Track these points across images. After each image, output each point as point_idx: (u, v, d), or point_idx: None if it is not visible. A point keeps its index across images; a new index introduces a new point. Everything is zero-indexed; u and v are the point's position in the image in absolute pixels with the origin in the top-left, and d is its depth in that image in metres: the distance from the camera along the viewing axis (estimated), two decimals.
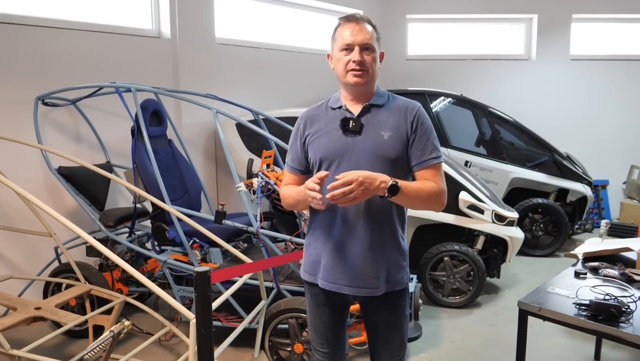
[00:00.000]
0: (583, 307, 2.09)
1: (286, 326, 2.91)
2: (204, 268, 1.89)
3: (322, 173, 1.64)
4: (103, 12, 4.22)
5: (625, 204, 6.53)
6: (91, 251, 3.61)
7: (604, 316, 2.03)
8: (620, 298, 2.14)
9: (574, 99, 6.98)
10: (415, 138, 1.77)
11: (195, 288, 1.88)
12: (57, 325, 3.32)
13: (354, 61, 1.73)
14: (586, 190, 5.63)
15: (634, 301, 2.14)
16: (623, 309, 2.04)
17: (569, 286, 2.38)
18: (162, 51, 4.52)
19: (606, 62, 6.94)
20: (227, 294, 2.41)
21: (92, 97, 3.77)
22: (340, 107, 1.82)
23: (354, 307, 2.78)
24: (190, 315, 2.08)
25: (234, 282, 2.72)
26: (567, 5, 6.83)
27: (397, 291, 1.84)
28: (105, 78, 4.02)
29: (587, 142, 6.92)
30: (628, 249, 2.75)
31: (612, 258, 2.78)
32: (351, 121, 1.76)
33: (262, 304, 2.90)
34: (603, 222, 6.11)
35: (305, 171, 1.89)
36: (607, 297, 2.15)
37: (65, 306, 3.22)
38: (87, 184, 3.66)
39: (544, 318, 2.16)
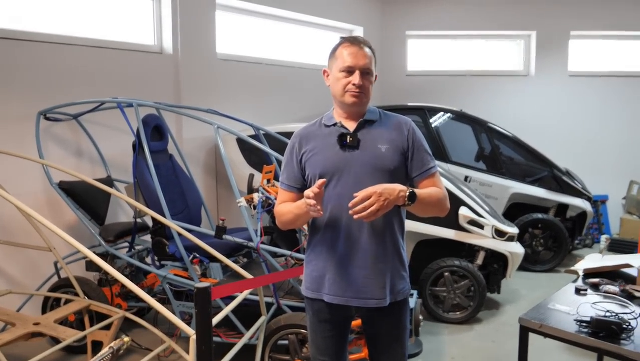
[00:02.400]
0: (584, 324, 2.08)
1: (286, 342, 2.89)
2: (204, 283, 1.89)
3: (320, 181, 1.65)
4: (105, 27, 4.27)
5: (624, 219, 6.54)
6: (91, 266, 3.60)
7: (604, 333, 2.02)
8: (621, 315, 2.13)
9: (573, 115, 7.02)
10: (414, 151, 1.86)
11: (195, 304, 1.88)
12: (56, 340, 3.31)
13: (354, 84, 1.77)
14: (586, 205, 5.64)
15: (635, 318, 2.14)
16: (624, 326, 2.03)
17: (570, 302, 2.37)
18: (164, 66, 4.56)
19: (604, 78, 7.00)
20: (227, 310, 2.40)
21: (94, 112, 3.80)
22: (334, 125, 1.86)
23: (355, 322, 2.78)
24: (191, 331, 2.07)
25: (233, 297, 2.71)
26: (565, 22, 6.91)
27: (399, 302, 1.87)
28: (106, 93, 4.05)
29: (586, 158, 6.95)
30: (628, 265, 2.75)
31: (612, 274, 2.78)
32: (348, 136, 1.81)
33: (262, 320, 2.88)
34: (603, 237, 6.12)
35: (301, 189, 1.90)
36: (607, 314, 2.15)
37: (64, 322, 3.21)
38: (87, 199, 3.66)
39: (545, 335, 2.15)
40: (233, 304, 2.45)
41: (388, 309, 1.85)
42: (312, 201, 1.62)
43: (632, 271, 2.74)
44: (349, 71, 1.78)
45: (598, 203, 6.87)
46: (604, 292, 2.51)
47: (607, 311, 2.19)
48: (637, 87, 6.95)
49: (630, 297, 2.44)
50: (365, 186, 1.66)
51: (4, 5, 3.65)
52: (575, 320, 2.13)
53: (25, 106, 3.68)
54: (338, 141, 1.82)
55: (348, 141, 1.81)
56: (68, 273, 3.32)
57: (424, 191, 1.78)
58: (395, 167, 1.81)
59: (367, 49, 1.82)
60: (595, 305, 2.30)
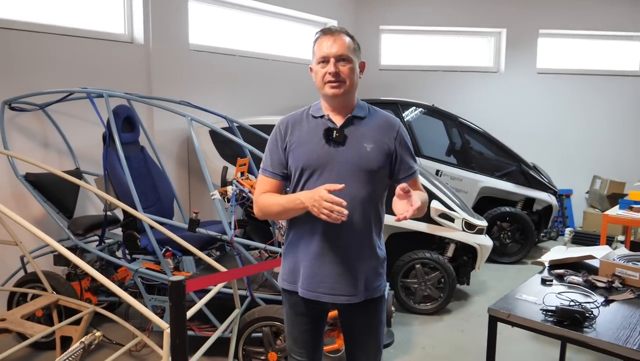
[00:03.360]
0: (549, 313, 2.16)
1: (260, 334, 2.90)
2: (179, 277, 1.88)
3: (339, 186, 1.62)
4: (75, 15, 4.15)
5: (587, 213, 6.77)
6: (59, 260, 3.52)
7: (569, 321, 2.10)
8: (584, 304, 2.22)
9: (540, 111, 7.22)
10: (402, 154, 1.85)
11: (169, 297, 1.86)
12: (23, 336, 3.22)
13: (329, 73, 1.75)
14: (551, 199, 5.82)
15: (597, 307, 2.23)
16: (587, 315, 2.12)
17: (536, 292, 2.46)
18: (135, 57, 4.46)
19: (571, 76, 7.21)
20: (200, 303, 2.39)
21: (62, 102, 3.69)
22: (322, 117, 1.84)
23: (330, 314, 2.81)
24: (164, 325, 2.05)
25: (207, 291, 2.70)
26: (535, 21, 7.08)
27: (375, 298, 1.88)
28: (75, 83, 3.94)
29: (552, 153, 7.16)
30: (591, 257, 2.86)
31: (576, 265, 2.88)
32: (335, 132, 1.79)
33: (236, 312, 2.88)
34: (567, 230, 6.34)
35: (284, 177, 1.88)
36: (572, 303, 2.23)
37: (31, 317, 3.12)
38: (55, 192, 3.57)
39: (513, 324, 2.22)
40: (207, 297, 2.44)
41: (364, 304, 1.86)
42: (342, 210, 1.59)
43: (595, 263, 2.85)
44: (325, 61, 1.77)
45: (563, 197, 7.10)
46: (569, 282, 2.61)
47: (572, 300, 2.27)
48: (603, 85, 7.19)
49: (593, 287, 2.54)
50: (346, 184, 1.65)
51: None
52: (541, 310, 2.21)
53: None
54: (324, 135, 1.79)
55: (334, 136, 1.78)
56: (35, 267, 3.23)
57: (419, 197, 1.73)
58: (379, 167, 1.80)
59: (344, 37, 1.78)
60: (560, 295, 2.39)
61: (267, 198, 1.86)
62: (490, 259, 5.38)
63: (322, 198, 1.61)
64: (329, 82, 1.76)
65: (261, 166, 1.92)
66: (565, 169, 7.16)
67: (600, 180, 6.84)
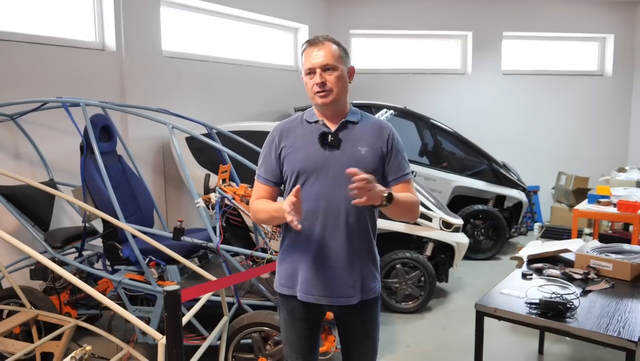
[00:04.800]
0: (534, 306, 2.26)
1: (249, 340, 2.90)
2: (173, 286, 1.87)
3: (295, 189, 1.65)
4: (44, 23, 4.04)
5: (554, 207, 7.02)
6: (36, 274, 3.41)
7: (552, 313, 2.20)
8: (565, 296, 2.33)
9: (507, 111, 7.46)
10: (392, 156, 1.89)
11: (165, 307, 1.86)
12: (1, 357, 3.12)
13: (316, 84, 1.79)
14: (521, 196, 6.02)
15: (577, 298, 2.34)
16: (568, 305, 2.22)
17: (518, 287, 2.56)
18: (107, 64, 4.38)
19: (534, 76, 7.49)
20: (192, 311, 2.38)
21: (35, 112, 3.59)
22: (316, 122, 1.87)
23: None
24: (158, 336, 2.04)
25: (195, 300, 2.68)
26: (499, 24, 7.31)
27: (371, 300, 1.93)
28: (46, 92, 3.84)
29: (519, 151, 7.41)
30: (567, 250, 2.99)
31: (553, 259, 3.01)
32: (330, 136, 1.82)
33: (225, 320, 2.87)
34: (536, 225, 6.55)
35: (278, 183, 1.91)
36: (553, 295, 2.33)
37: (8, 336, 3.02)
38: (30, 204, 3.47)
39: (500, 318, 2.31)
40: (198, 305, 2.43)
41: (359, 306, 1.90)
42: (296, 223, 1.61)
43: (570, 256, 2.98)
44: (312, 72, 1.81)
45: (531, 193, 7.33)
46: (548, 276, 2.73)
47: (553, 293, 2.38)
48: (565, 85, 7.49)
49: (570, 279, 2.66)
50: (343, 187, 1.69)
51: None
52: (525, 303, 2.30)
53: None
54: (319, 140, 1.82)
55: (329, 140, 1.82)
56: (11, 282, 3.13)
57: (401, 195, 1.80)
58: (374, 170, 1.83)
59: (329, 45, 1.81)
60: (541, 288, 2.49)
61: (258, 204, 1.89)
62: (465, 256, 5.51)
63: (285, 211, 1.64)
64: (317, 92, 1.80)
65: (257, 172, 1.95)
66: (532, 166, 7.41)
67: (565, 176, 7.11)
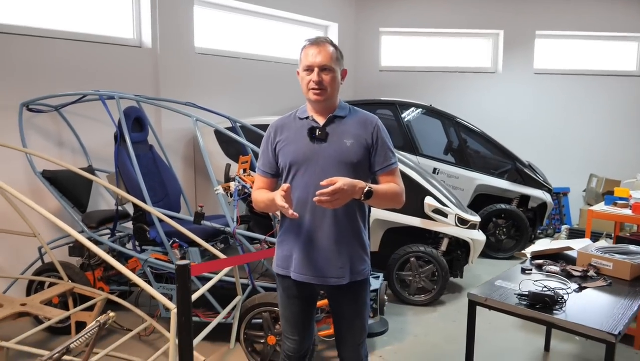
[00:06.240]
0: (523, 297, 2.36)
1: (260, 320, 3.11)
2: (184, 261, 2.09)
3: (285, 186, 1.85)
4: (86, 21, 4.39)
5: (584, 210, 6.91)
6: (74, 251, 3.76)
7: (540, 305, 2.30)
8: (557, 290, 2.42)
9: (538, 111, 7.38)
10: (377, 148, 2.04)
11: (176, 279, 2.08)
12: (39, 322, 3.46)
13: (313, 81, 1.96)
14: (546, 197, 5.99)
15: (568, 293, 2.43)
16: (557, 299, 2.31)
17: (515, 280, 2.65)
18: (143, 60, 4.69)
19: (567, 76, 7.37)
20: (205, 287, 2.61)
21: (76, 104, 3.92)
22: (307, 118, 2.06)
23: (324, 302, 3.02)
24: (171, 305, 2.27)
25: (211, 279, 2.92)
26: (531, 22, 7.24)
27: (359, 281, 2.08)
28: (87, 86, 4.18)
29: (550, 152, 7.33)
30: (570, 248, 3.05)
31: (557, 256, 3.08)
32: (317, 130, 2.00)
33: (238, 298, 3.11)
34: (564, 227, 6.49)
35: (275, 175, 2.12)
36: (544, 289, 2.43)
37: (47, 304, 3.35)
38: (70, 187, 3.80)
39: (490, 308, 2.42)
40: (212, 282, 2.66)
41: (348, 287, 2.06)
42: (288, 210, 1.81)
43: (573, 253, 3.04)
44: (309, 69, 1.98)
45: (560, 194, 7.25)
46: (547, 271, 2.81)
47: (545, 287, 2.47)
48: (599, 85, 7.34)
49: (569, 275, 2.73)
50: (330, 176, 1.86)
51: None
52: (515, 294, 2.41)
53: (6, 97, 3.79)
54: (308, 134, 2.01)
55: (317, 134, 2.00)
56: (52, 257, 3.47)
57: (381, 187, 1.97)
58: (359, 160, 2.00)
59: (328, 48, 1.99)
60: (536, 282, 2.58)
61: (258, 193, 2.11)
62: (486, 255, 5.59)
63: (276, 203, 1.85)
64: (313, 89, 1.98)
65: (257, 165, 2.17)
66: (563, 167, 7.32)
67: (596, 178, 6.99)
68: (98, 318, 2.33)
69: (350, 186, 1.82)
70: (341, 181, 1.80)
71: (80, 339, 2.21)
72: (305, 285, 2.07)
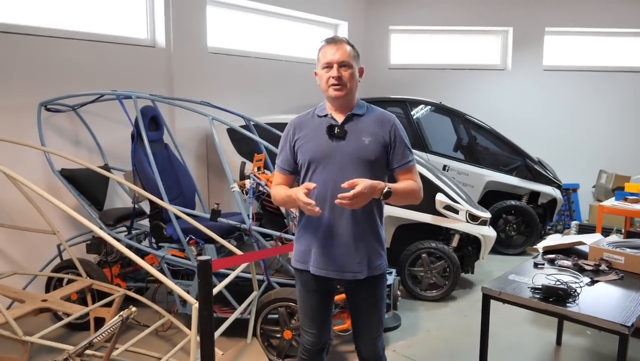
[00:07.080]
0: (536, 291, 2.40)
1: (276, 315, 3.17)
2: (205, 257, 2.15)
3: (311, 185, 1.90)
4: (101, 22, 4.46)
5: (593, 206, 6.91)
6: (91, 248, 3.83)
7: (553, 298, 2.34)
8: (570, 284, 2.45)
9: (547, 108, 7.39)
10: (395, 146, 2.09)
11: (198, 274, 2.13)
12: (59, 318, 3.54)
13: (333, 77, 2.01)
14: (556, 193, 5.99)
15: (580, 286, 2.46)
16: (570, 292, 2.35)
17: (528, 274, 2.69)
18: (157, 60, 4.76)
19: (577, 72, 7.36)
20: (224, 282, 2.67)
21: (93, 103, 4.00)
22: (326, 116, 2.10)
23: (340, 297, 3.07)
24: (192, 300, 2.33)
25: (228, 275, 2.98)
26: (541, 19, 7.24)
27: (377, 276, 2.13)
28: (102, 86, 4.25)
29: (559, 148, 7.33)
30: (581, 243, 3.08)
31: (569, 251, 3.11)
32: (336, 128, 2.05)
33: (254, 294, 3.16)
34: (573, 223, 6.51)
35: (293, 172, 2.17)
36: (557, 282, 2.46)
37: (67, 300, 3.43)
38: (88, 186, 3.88)
39: (504, 301, 2.46)
40: (230, 277, 2.72)
41: (366, 281, 2.11)
42: (314, 208, 1.86)
43: (585, 248, 3.07)
44: (329, 67, 2.03)
45: (569, 191, 7.25)
46: (559, 266, 2.84)
47: (557, 280, 2.51)
48: (608, 81, 7.33)
49: (581, 270, 2.77)
50: (348, 174, 1.92)
51: (3, 1, 3.82)
52: (529, 288, 2.45)
53: (24, 97, 3.86)
54: (327, 132, 2.06)
55: (336, 132, 2.04)
56: (71, 254, 3.55)
57: (399, 186, 2.02)
58: (376, 158, 2.05)
59: (345, 46, 2.05)
60: (549, 276, 2.62)
61: (277, 189, 2.17)
62: (496, 251, 5.61)
63: (298, 199, 1.90)
64: (333, 85, 2.02)
65: (276, 162, 2.22)
66: (573, 163, 7.31)
67: (606, 174, 6.99)
68: (121, 313, 2.40)
69: (370, 189, 1.87)
70: (362, 185, 1.84)
71: (103, 333, 2.29)
72: (323, 279, 2.12)
